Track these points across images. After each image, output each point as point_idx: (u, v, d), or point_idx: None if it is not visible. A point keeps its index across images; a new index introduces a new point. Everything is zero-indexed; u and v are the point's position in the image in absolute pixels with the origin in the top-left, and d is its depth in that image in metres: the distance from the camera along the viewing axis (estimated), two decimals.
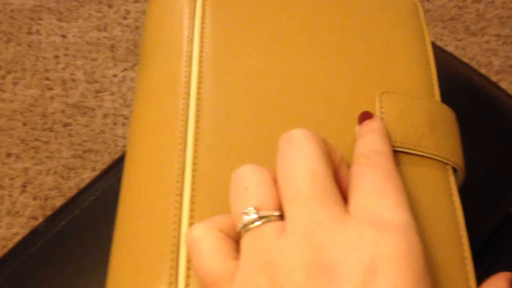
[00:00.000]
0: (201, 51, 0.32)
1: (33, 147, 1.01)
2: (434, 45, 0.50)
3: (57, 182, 0.98)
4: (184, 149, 0.29)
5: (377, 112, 0.31)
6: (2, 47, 1.13)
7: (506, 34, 1.10)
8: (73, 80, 1.08)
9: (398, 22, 0.35)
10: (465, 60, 1.07)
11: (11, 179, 0.98)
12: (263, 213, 0.23)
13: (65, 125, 1.03)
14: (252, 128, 0.30)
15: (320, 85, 0.32)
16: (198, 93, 0.31)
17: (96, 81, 1.08)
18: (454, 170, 0.31)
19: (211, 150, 0.29)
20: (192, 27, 0.33)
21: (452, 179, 0.30)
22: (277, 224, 0.23)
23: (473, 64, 1.08)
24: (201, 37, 0.33)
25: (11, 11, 1.18)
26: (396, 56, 0.33)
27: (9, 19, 1.16)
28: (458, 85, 0.49)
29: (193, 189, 0.28)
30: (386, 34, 0.34)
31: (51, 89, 1.06)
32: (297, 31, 0.34)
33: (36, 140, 1.02)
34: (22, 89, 1.08)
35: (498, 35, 1.10)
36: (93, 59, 1.10)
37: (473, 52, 1.06)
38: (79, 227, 0.45)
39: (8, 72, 1.10)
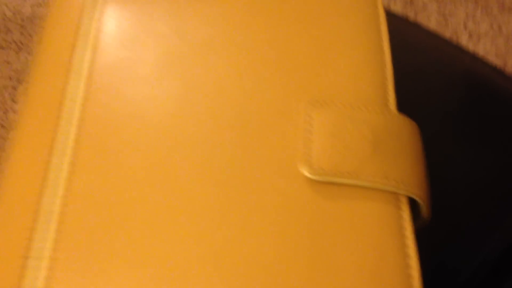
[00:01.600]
0: (92, 63, 0.26)
1: None
2: (429, 33, 0.42)
3: None
4: (42, 194, 0.23)
5: (300, 131, 0.24)
6: (13, 57, 1.12)
7: None
8: None
9: (346, 9, 0.27)
10: (501, 40, 0.96)
11: None
12: None
13: None
14: (143, 166, 0.24)
15: (230, 101, 0.25)
16: (81, 118, 0.25)
17: None
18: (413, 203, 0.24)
19: (87, 196, 0.23)
20: (84, 32, 0.27)
21: (406, 214, 0.23)
22: None
23: (511, 43, 0.97)
24: (94, 45, 0.27)
25: (22, 20, 1.16)
26: (338, 53, 0.26)
27: (20, 28, 1.15)
28: (460, 78, 0.40)
29: (54, 250, 0.21)
30: (327, 24, 0.27)
31: None
32: (209, 31, 0.27)
33: None
34: None
35: None
36: None
37: (508, 30, 0.94)
38: None
39: (19, 82, 1.08)
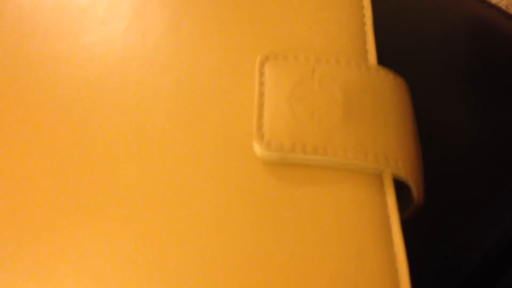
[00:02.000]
0: None
1: None
2: None
3: None
4: None
5: (255, 95, 0.18)
6: None
7: None
8: None
9: None
10: None
11: None
12: None
13: None
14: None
15: (168, 60, 0.19)
16: None
17: None
18: (400, 184, 0.18)
19: None
20: None
21: (391, 199, 0.18)
22: None
23: None
24: None
25: None
26: (306, 2, 0.20)
27: None
28: (461, 24, 0.34)
29: None
30: None
31: None
32: None
33: None
34: None
35: None
36: None
37: None
38: None
39: None
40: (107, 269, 0.16)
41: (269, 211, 0.17)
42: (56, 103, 0.19)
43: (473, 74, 0.32)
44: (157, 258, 0.16)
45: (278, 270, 0.16)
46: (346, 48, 0.19)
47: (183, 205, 0.17)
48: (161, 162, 0.18)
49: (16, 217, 0.17)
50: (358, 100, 0.18)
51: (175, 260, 0.16)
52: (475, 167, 0.30)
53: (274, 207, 0.17)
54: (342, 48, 0.19)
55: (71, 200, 0.17)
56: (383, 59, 0.23)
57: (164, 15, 0.21)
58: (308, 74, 0.18)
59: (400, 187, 0.20)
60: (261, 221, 0.17)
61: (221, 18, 0.20)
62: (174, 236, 0.17)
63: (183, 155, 0.18)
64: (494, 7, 0.34)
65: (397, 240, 0.17)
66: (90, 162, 0.18)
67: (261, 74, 0.18)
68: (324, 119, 0.17)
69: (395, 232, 0.17)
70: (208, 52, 0.19)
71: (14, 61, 0.20)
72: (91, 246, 0.17)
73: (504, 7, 0.91)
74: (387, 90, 0.18)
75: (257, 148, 0.17)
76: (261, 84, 0.18)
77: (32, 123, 0.19)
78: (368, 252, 0.16)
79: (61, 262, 0.16)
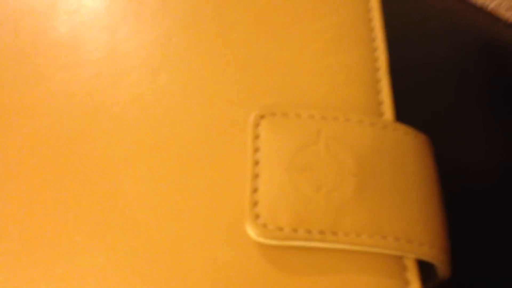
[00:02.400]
0: None
1: None
2: None
3: None
4: None
5: (249, 163, 0.15)
6: None
7: None
8: None
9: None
10: None
11: None
12: None
13: None
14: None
15: (156, 117, 0.16)
16: None
17: None
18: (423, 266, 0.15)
19: None
20: None
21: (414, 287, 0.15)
22: None
23: None
24: None
25: None
26: (304, 37, 0.17)
27: None
28: (479, 46, 0.31)
29: None
30: (288, 3, 0.18)
31: None
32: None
33: None
34: None
35: None
36: None
37: None
38: None
39: None
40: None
41: None
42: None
43: (491, 97, 0.29)
44: None
45: None
46: (356, 101, 0.16)
47: None
48: (141, 249, 0.15)
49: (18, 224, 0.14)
50: (373, 168, 0.15)
51: None
52: (501, 202, 0.26)
53: None
54: (352, 101, 0.16)
55: (70, 213, 0.14)
56: (394, 89, 0.20)
57: (139, 60, 0.17)
58: (313, 137, 0.15)
59: (423, 267, 0.16)
60: None
61: (206, 65, 0.17)
62: None
63: (160, 239, 0.14)
64: (508, 25, 0.31)
65: None
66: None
67: (255, 137, 0.15)
68: (332, 194, 0.14)
69: None
70: (190, 106, 0.16)
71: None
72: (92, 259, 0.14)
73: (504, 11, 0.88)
74: (406, 153, 0.15)
75: (251, 232, 0.14)
76: (256, 149, 0.15)
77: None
78: None
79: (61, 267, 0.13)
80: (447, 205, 0.18)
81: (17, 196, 0.15)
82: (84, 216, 0.15)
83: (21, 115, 0.17)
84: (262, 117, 0.15)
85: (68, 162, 0.16)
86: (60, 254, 0.15)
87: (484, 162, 0.28)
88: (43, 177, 0.16)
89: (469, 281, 0.23)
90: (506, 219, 0.25)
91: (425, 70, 0.30)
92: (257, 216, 0.14)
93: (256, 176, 0.15)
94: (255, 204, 0.14)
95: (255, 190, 0.14)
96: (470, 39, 0.30)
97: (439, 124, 0.29)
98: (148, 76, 0.17)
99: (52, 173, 0.16)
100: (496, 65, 0.32)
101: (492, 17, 0.31)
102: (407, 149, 0.15)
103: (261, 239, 0.14)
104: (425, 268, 0.17)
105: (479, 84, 0.32)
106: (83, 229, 0.15)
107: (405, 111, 0.19)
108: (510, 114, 0.30)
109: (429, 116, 0.29)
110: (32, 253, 0.15)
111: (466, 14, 0.31)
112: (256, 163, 0.15)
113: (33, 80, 0.18)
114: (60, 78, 0.18)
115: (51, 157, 0.16)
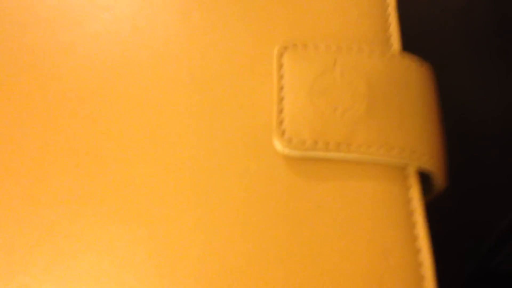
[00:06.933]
0: None
1: None
2: None
3: None
4: None
5: (274, 88, 0.17)
6: None
7: None
8: None
9: None
10: None
11: None
12: None
13: None
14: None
15: (185, 52, 0.19)
16: None
17: None
18: (424, 176, 0.18)
19: None
20: None
21: (415, 193, 0.17)
22: None
23: None
24: None
25: None
26: None
27: None
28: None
29: None
30: None
31: None
32: None
33: None
34: None
35: None
36: None
37: None
38: None
39: None
40: (123, 271, 0.16)
41: (291, 207, 0.17)
42: (62, 98, 0.18)
43: (491, 45, 0.31)
44: (178, 259, 0.16)
45: (301, 266, 0.16)
46: (368, 34, 0.18)
47: (204, 202, 0.17)
48: (178, 159, 0.17)
49: (27, 216, 0.17)
50: (382, 91, 0.17)
51: (197, 259, 0.16)
52: (494, 138, 0.29)
53: (297, 203, 0.17)
54: (364, 34, 0.18)
55: (83, 199, 0.17)
56: (403, 34, 0.22)
57: (172, 2, 0.20)
58: (330, 65, 0.17)
59: (423, 178, 0.19)
60: (284, 217, 0.17)
61: (233, 6, 0.19)
62: (195, 235, 0.17)
63: (201, 151, 0.17)
64: None
65: (422, 234, 0.17)
66: (102, 160, 0.17)
67: (280, 66, 0.17)
68: (347, 113, 0.17)
69: (420, 227, 0.17)
70: (221, 42, 0.19)
71: (15, 55, 0.19)
72: (105, 247, 0.16)
73: None
74: (412, 79, 0.17)
75: (278, 145, 0.17)
76: (280, 77, 0.17)
77: (38, 121, 0.18)
78: (393, 246, 0.16)
79: (76, 260, 0.16)
80: (447, 130, 0.20)
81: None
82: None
83: (66, 53, 0.19)
84: (285, 48, 0.18)
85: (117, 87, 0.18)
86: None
87: (484, 100, 0.30)
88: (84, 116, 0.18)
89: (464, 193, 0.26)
90: (499, 145, 0.27)
91: (432, 18, 0.32)
92: (283, 132, 0.17)
93: (281, 99, 0.17)
94: (281, 122, 0.17)
95: (281, 111, 0.17)
96: None
97: (443, 66, 0.31)
98: (181, 16, 0.20)
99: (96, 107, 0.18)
100: (499, 11, 0.33)
101: None
102: (412, 75, 0.18)
103: (286, 151, 0.17)
104: (424, 184, 0.19)
105: (483, 30, 0.33)
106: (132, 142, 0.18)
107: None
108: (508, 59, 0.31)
109: (435, 60, 0.31)
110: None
111: None
112: (281, 88, 0.17)
113: (79, 19, 0.20)
114: (103, 17, 0.20)
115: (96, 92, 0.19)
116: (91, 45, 0.20)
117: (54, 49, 0.19)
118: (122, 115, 0.18)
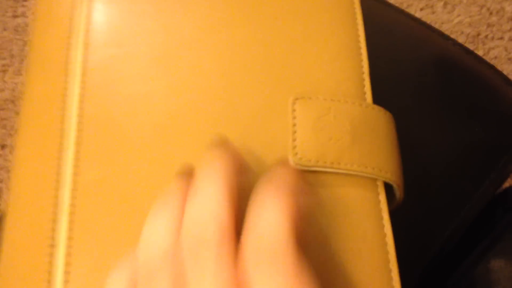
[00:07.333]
0: (84, 62, 0.28)
1: None
2: (399, 11, 0.44)
3: None
4: (58, 188, 0.25)
5: (289, 126, 0.26)
6: None
7: None
8: None
9: (322, 5, 0.29)
10: (475, 8, 0.98)
11: (8, 171, 0.98)
12: None
13: None
14: (143, 160, 0.25)
15: (221, 97, 0.27)
16: (80, 116, 0.26)
17: None
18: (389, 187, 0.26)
19: (93, 188, 0.25)
20: (76, 30, 0.29)
21: (382, 198, 0.26)
22: None
23: (484, 11, 0.99)
24: (85, 43, 0.28)
25: None
26: (318, 49, 0.28)
27: None
28: (432, 60, 0.42)
29: (69, 238, 0.24)
30: (307, 21, 0.29)
31: None
32: (196, 28, 0.29)
33: None
34: (11, 77, 1.05)
35: None
36: None
37: None
38: None
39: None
40: None
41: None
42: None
43: (439, 101, 0.41)
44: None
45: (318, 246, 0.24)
46: (351, 90, 0.27)
47: None
48: None
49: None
50: (361, 129, 0.26)
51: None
52: (443, 171, 0.38)
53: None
54: (348, 90, 0.27)
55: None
56: (373, 90, 0.31)
57: (219, 62, 0.28)
58: (326, 111, 0.26)
59: (388, 190, 0.28)
60: None
61: (261, 69, 0.28)
62: None
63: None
64: (457, 44, 0.42)
65: (387, 226, 0.25)
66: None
67: (293, 110, 0.26)
68: (338, 143, 0.25)
69: (385, 220, 0.25)
70: (254, 90, 0.27)
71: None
72: None
73: (467, 26, 1.00)
74: (380, 122, 0.26)
75: (292, 161, 0.25)
76: (294, 117, 0.26)
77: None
78: (368, 234, 0.24)
79: None
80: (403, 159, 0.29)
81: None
82: None
83: None
84: (297, 98, 0.26)
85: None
86: None
87: (431, 144, 0.39)
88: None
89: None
90: (442, 168, 0.37)
91: (388, 78, 0.41)
92: (296, 153, 0.25)
93: (294, 131, 0.26)
94: (294, 147, 0.25)
95: (294, 139, 0.25)
96: (426, 53, 0.42)
97: (399, 118, 0.40)
98: (221, 70, 0.28)
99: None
100: (445, 75, 0.43)
101: (443, 36, 0.43)
102: (381, 120, 0.27)
103: (298, 166, 0.25)
104: (388, 195, 0.28)
105: (433, 90, 0.43)
106: None
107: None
108: (455, 112, 0.41)
109: (394, 110, 0.41)
110: None
111: (423, 31, 0.42)
112: (294, 125, 0.26)
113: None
114: None
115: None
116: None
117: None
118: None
